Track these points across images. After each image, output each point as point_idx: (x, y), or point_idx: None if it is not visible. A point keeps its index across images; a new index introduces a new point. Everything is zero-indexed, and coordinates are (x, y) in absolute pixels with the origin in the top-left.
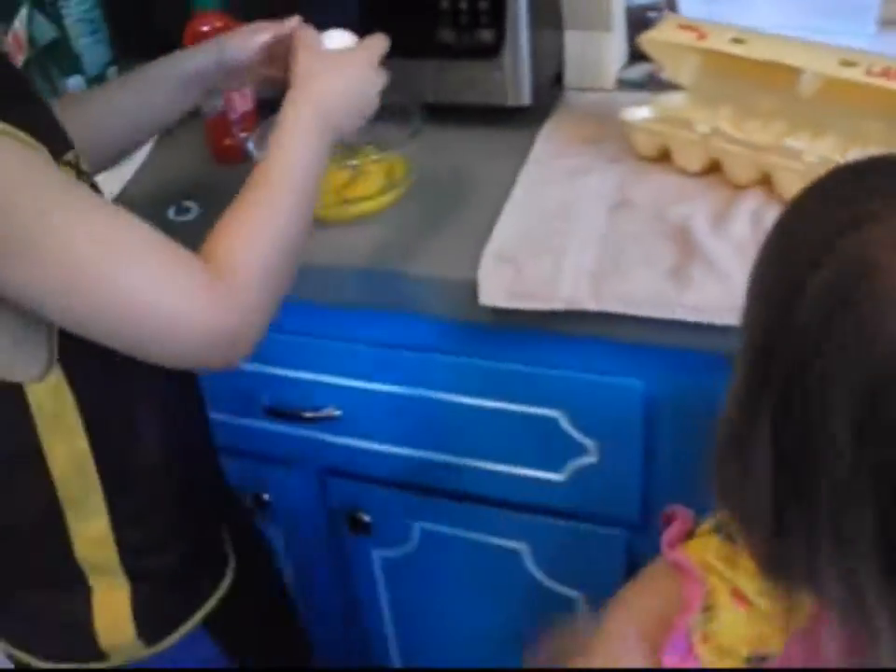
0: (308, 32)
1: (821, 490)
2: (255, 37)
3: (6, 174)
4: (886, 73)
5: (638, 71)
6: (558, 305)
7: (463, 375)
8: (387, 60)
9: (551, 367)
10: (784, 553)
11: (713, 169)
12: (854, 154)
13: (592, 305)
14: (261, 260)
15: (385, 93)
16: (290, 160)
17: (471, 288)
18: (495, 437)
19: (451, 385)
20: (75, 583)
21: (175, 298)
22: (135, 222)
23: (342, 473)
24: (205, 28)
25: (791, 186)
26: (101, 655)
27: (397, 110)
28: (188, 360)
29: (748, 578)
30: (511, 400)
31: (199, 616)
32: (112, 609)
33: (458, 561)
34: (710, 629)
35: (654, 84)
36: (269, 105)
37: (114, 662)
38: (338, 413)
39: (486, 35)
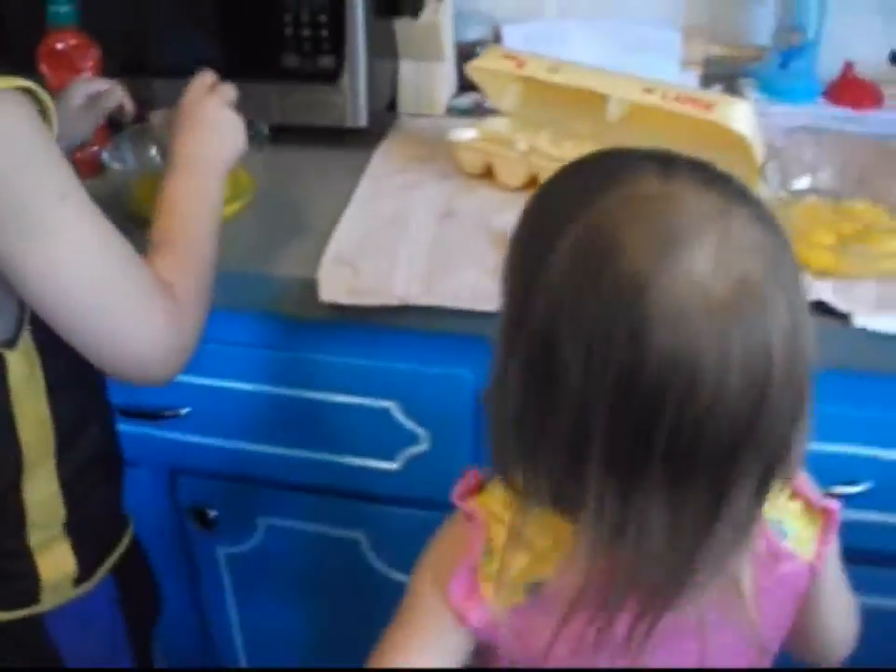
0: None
1: (562, 423)
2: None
3: (36, 138)
4: (679, 98)
5: (467, 100)
6: (392, 301)
7: (303, 371)
8: (237, 84)
9: (385, 360)
10: (544, 483)
11: (532, 184)
12: None
13: (423, 301)
14: (196, 289)
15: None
16: (192, 202)
17: (312, 288)
18: (333, 429)
19: (292, 380)
20: (22, 535)
21: (142, 316)
22: (118, 234)
23: (189, 471)
24: (60, 46)
25: None
26: (35, 599)
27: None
28: (133, 372)
29: (525, 520)
30: (348, 393)
31: (115, 557)
32: (55, 552)
33: (301, 554)
34: (492, 570)
35: (481, 111)
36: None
37: (45, 605)
38: (185, 410)
39: (327, 62)
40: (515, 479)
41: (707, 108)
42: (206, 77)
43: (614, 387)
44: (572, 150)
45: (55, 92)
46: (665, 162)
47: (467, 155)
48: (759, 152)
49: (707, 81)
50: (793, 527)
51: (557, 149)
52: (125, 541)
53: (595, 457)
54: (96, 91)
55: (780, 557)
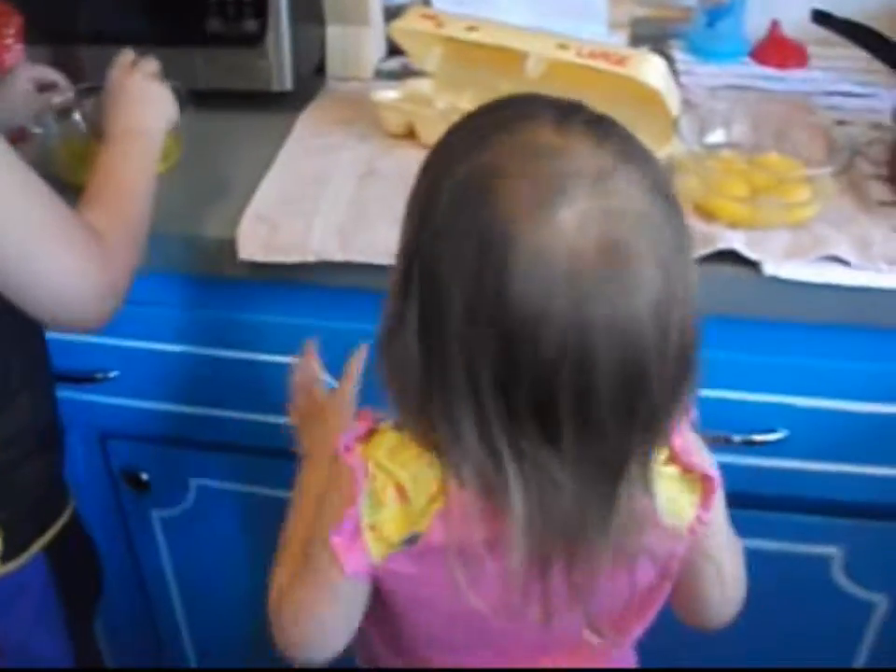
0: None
1: (451, 365)
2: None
3: None
4: (592, 54)
5: (395, 63)
6: (309, 257)
7: (228, 331)
8: (161, 49)
9: (305, 317)
10: (430, 425)
11: None
12: None
13: (339, 256)
14: (125, 237)
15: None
16: (124, 166)
17: (233, 247)
18: (260, 388)
19: (218, 340)
20: None
21: (67, 259)
22: (41, 182)
23: (119, 435)
24: None
25: None
26: None
27: None
28: (62, 316)
29: (407, 468)
30: (273, 352)
31: (49, 536)
32: None
33: (233, 515)
34: (375, 520)
35: (408, 74)
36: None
37: None
38: (113, 374)
39: (251, 25)
40: (415, 428)
41: (619, 63)
42: (127, 55)
43: (487, 335)
44: None
45: None
46: (565, 114)
47: (389, 115)
48: (673, 106)
49: (634, 43)
50: (667, 492)
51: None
52: (62, 520)
53: (479, 405)
54: (43, 78)
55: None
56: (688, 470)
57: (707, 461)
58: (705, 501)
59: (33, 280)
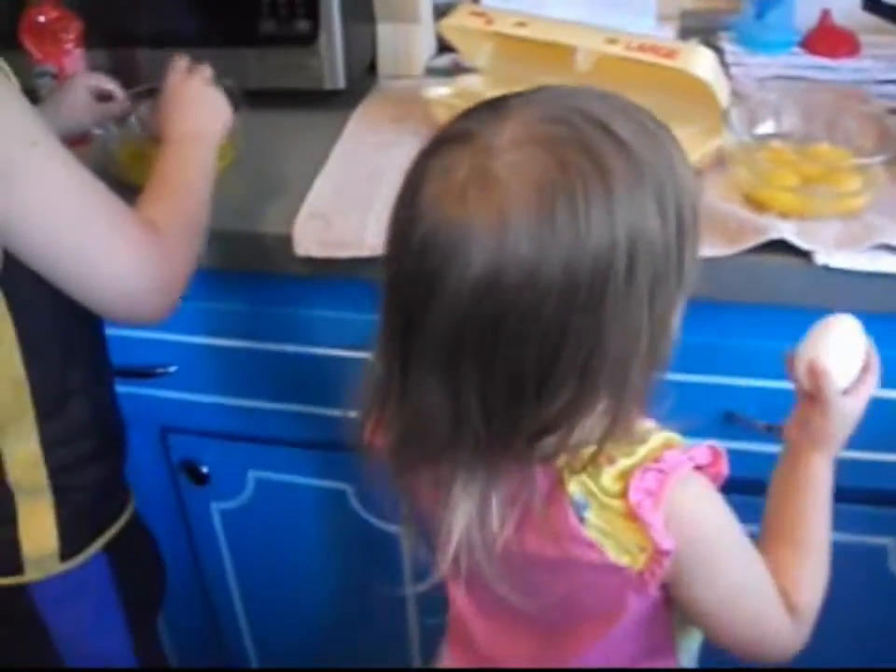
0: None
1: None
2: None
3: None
4: (642, 48)
5: (445, 60)
6: (364, 252)
7: (286, 326)
8: (215, 50)
9: (364, 312)
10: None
11: None
12: None
13: None
14: (182, 229)
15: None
16: (182, 167)
17: (288, 242)
18: (317, 382)
19: (276, 335)
20: (4, 503)
21: (122, 252)
22: (93, 177)
23: (179, 429)
24: (41, 19)
25: None
26: (19, 569)
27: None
28: (121, 309)
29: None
30: (331, 346)
31: (109, 536)
32: (37, 524)
33: (291, 507)
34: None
35: (459, 71)
36: None
37: (30, 576)
38: (173, 368)
39: (303, 26)
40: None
41: (669, 56)
42: (182, 61)
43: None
44: None
45: (42, 67)
46: (507, 108)
47: (441, 111)
48: (723, 98)
49: (683, 35)
50: (608, 524)
51: None
52: (122, 520)
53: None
54: (100, 87)
55: (574, 539)
56: (634, 519)
57: (680, 529)
58: (650, 568)
59: (92, 276)
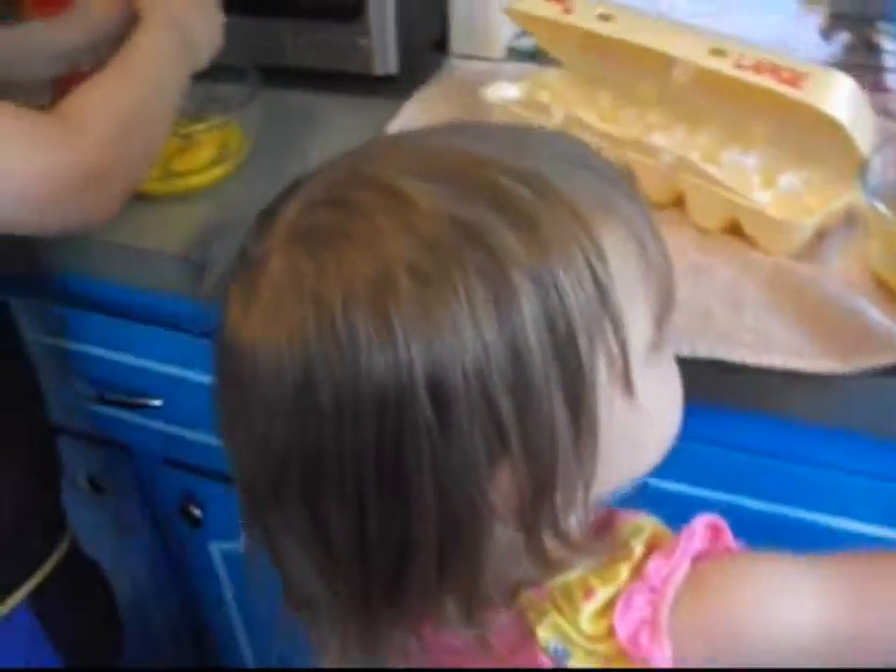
0: None
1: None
2: None
3: None
4: (757, 67)
5: (531, 42)
6: None
7: None
8: (245, 19)
9: None
10: None
11: None
12: (729, 155)
13: None
14: (112, 110)
15: (225, 54)
16: (145, 50)
17: None
18: None
19: None
20: None
21: (25, 155)
22: None
23: (175, 463)
24: None
25: (649, 182)
26: None
27: (233, 73)
28: (66, 212)
29: None
30: None
31: (31, 584)
32: None
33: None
34: None
35: (546, 58)
36: None
37: None
38: (157, 402)
39: None
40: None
41: (791, 83)
42: None
43: None
44: (631, 121)
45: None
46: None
47: (504, 119)
48: (863, 142)
49: (831, 25)
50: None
51: (616, 118)
52: (47, 566)
53: None
54: None
55: None
56: (631, 659)
57: None
58: None
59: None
